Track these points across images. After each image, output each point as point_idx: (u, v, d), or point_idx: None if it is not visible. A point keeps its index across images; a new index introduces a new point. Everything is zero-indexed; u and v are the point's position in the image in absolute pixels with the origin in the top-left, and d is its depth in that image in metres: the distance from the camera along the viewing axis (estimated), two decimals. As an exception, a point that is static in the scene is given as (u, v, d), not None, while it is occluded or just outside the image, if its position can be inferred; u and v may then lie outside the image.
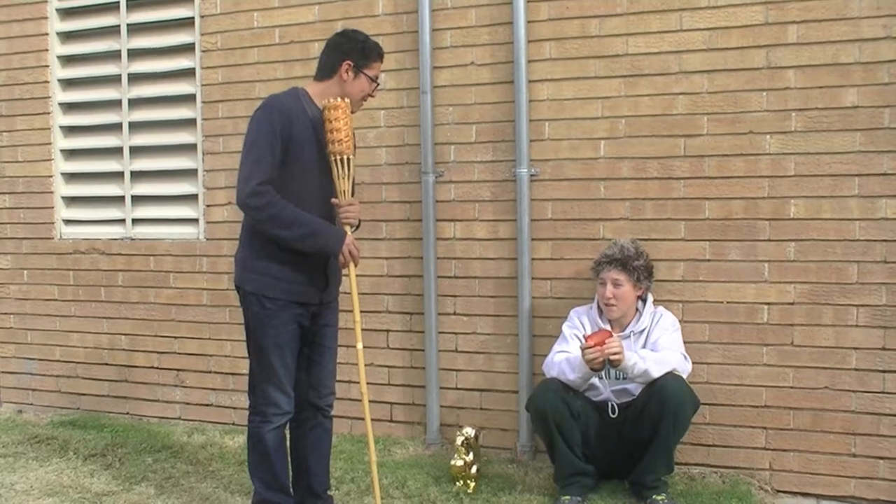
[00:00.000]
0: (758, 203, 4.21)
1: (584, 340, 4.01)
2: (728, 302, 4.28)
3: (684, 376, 4.03)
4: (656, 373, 3.92)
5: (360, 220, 3.70)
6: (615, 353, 3.85)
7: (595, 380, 4.09)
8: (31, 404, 5.90)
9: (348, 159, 3.51)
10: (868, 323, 4.06)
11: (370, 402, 3.86)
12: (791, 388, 4.19)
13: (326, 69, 3.63)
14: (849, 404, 4.11)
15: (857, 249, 4.07)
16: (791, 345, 4.18)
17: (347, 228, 3.58)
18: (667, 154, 4.35)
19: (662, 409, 3.88)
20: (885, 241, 4.02)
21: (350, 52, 3.59)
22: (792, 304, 4.17)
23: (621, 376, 4.05)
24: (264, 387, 3.60)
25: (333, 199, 3.56)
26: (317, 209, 3.52)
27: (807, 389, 4.17)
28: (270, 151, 3.43)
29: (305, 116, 3.53)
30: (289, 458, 3.76)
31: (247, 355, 3.70)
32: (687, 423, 4.01)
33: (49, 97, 5.72)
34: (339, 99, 3.50)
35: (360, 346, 3.64)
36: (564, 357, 4.07)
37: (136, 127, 5.55)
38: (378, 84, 3.68)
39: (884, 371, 4.05)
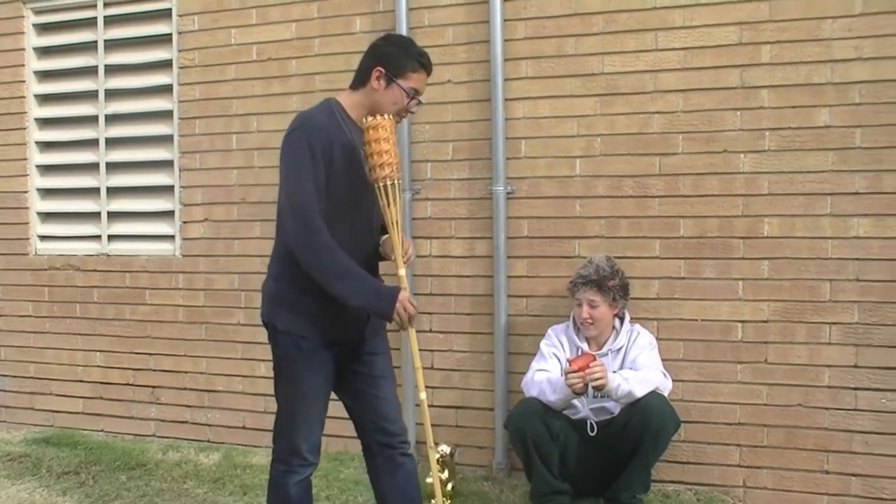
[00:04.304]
0: (732, 221, 4.24)
1: (565, 363, 4.01)
2: (703, 319, 4.29)
3: (665, 394, 4.04)
4: (640, 393, 3.91)
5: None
6: (599, 379, 3.85)
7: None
8: (4, 421, 5.83)
9: (395, 184, 3.07)
10: (841, 341, 4.09)
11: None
12: (765, 405, 4.21)
13: (360, 76, 3.18)
14: (822, 421, 4.13)
15: (830, 268, 4.09)
16: (765, 362, 4.21)
17: (404, 283, 3.10)
18: (642, 172, 4.37)
19: (644, 427, 3.89)
20: (857, 259, 4.05)
21: (383, 57, 3.13)
22: (766, 321, 4.20)
23: (599, 395, 4.05)
24: (291, 434, 3.18)
25: (397, 263, 3.12)
26: (345, 249, 3.02)
27: (780, 407, 4.19)
28: (313, 179, 2.98)
29: (343, 138, 3.08)
30: None
31: (272, 394, 3.32)
32: (667, 443, 4.02)
33: (25, 112, 5.69)
34: (381, 117, 3.06)
35: (423, 395, 3.20)
36: (545, 377, 4.06)
37: (112, 143, 5.53)
38: (414, 98, 3.17)
39: (856, 388, 4.07)
